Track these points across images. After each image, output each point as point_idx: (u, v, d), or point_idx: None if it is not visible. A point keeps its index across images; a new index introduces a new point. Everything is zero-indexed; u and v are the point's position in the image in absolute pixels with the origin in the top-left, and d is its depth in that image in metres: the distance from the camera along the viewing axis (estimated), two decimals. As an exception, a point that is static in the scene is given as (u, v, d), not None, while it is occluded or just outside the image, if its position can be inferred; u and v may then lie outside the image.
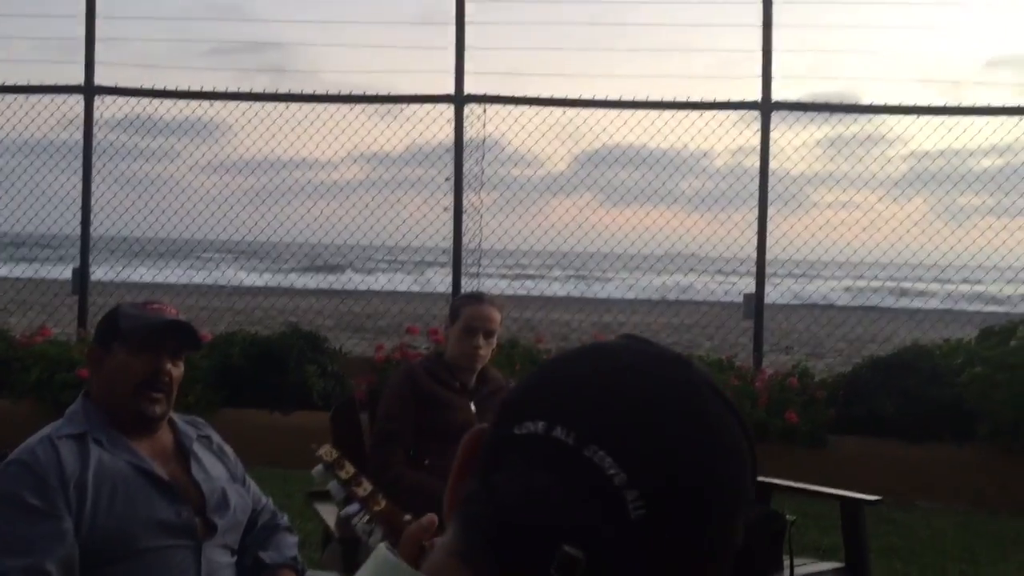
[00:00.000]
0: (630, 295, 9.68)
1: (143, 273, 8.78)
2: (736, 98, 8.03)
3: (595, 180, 8.41)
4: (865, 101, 8.05)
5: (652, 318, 10.15)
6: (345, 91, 8.27)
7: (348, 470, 2.48)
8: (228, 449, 2.64)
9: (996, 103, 7.81)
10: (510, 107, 8.15)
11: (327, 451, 2.53)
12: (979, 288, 8.23)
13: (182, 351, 2.48)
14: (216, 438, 2.63)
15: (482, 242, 8.12)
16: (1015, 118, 7.78)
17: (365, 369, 7.17)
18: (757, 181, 7.90)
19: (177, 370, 2.46)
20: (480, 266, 8.22)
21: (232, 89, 8.27)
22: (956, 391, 6.46)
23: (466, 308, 3.90)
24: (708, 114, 8.09)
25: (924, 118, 7.87)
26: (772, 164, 7.90)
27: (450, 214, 8.07)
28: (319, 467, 2.53)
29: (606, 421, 0.71)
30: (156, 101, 8.36)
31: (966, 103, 7.84)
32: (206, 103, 8.33)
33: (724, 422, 0.74)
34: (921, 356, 6.94)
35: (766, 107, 7.87)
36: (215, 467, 2.53)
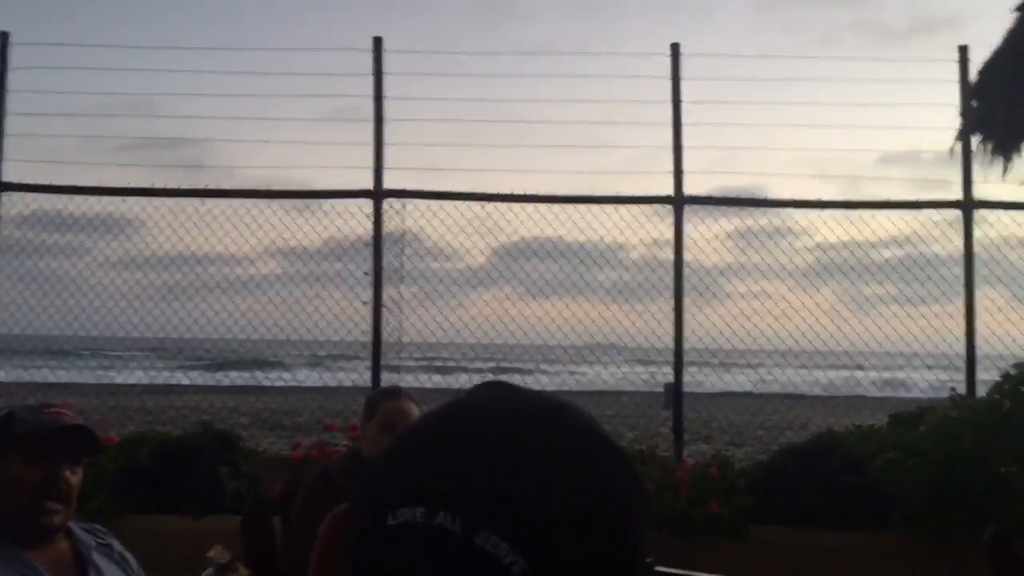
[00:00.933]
0: (550, 387, 9.68)
1: (48, 374, 8.44)
2: (650, 192, 8.26)
3: (514, 273, 8.49)
4: (771, 195, 8.41)
5: (574, 409, 10.14)
6: (263, 187, 8.25)
7: (241, 572, 2.38)
8: (131, 557, 2.51)
9: (891, 197, 8.23)
10: (429, 202, 8.22)
11: (219, 552, 2.43)
12: (887, 375, 8.46)
13: (81, 457, 2.37)
14: (117, 546, 2.51)
15: (402, 336, 8.07)
16: (911, 212, 8.18)
17: (281, 468, 6.97)
18: (672, 272, 8.08)
19: (76, 477, 2.35)
20: (400, 359, 8.15)
21: (145, 185, 8.18)
22: (871, 477, 6.58)
23: (383, 403, 3.84)
24: (623, 208, 8.29)
25: (827, 211, 8.22)
26: (686, 256, 8.12)
27: (369, 308, 8.01)
28: (209, 571, 2.42)
29: (493, 500, 0.62)
30: (66, 197, 8.20)
31: (864, 197, 8.24)
32: (118, 199, 8.20)
33: (613, 471, 0.68)
34: (836, 443, 7.06)
35: (678, 201, 8.11)
36: (115, 578, 2.40)
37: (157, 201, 8.20)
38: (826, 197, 8.18)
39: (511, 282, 8.47)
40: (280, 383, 9.03)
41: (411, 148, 9.07)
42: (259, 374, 9.25)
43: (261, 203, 8.28)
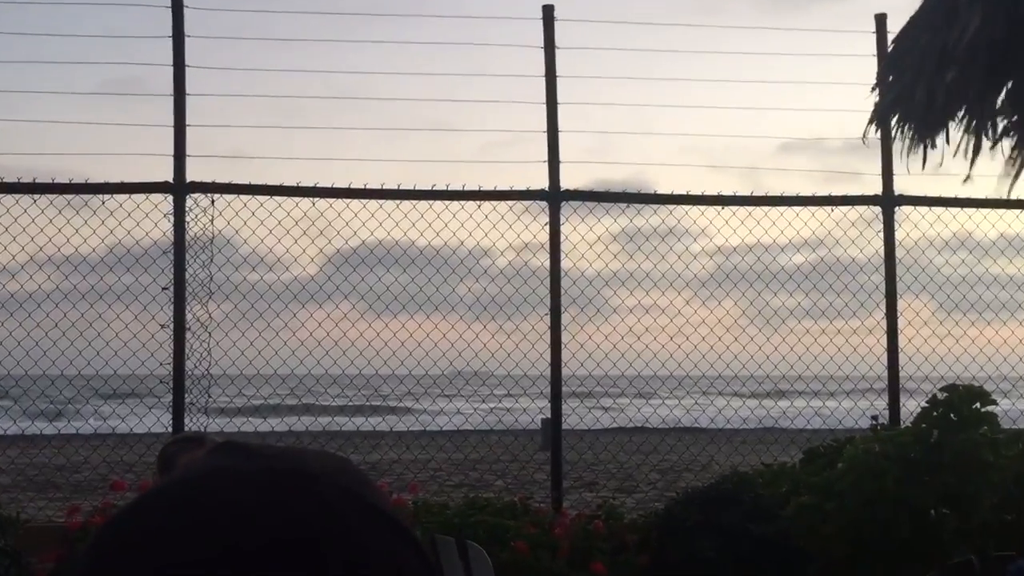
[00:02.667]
0: (400, 427, 9.64)
1: None
2: (518, 186, 8.34)
3: (354, 285, 8.41)
4: (660, 190, 8.60)
5: (431, 454, 10.15)
6: (26, 179, 7.91)
7: None
8: None
9: (793, 191, 8.54)
10: (244, 197, 8.07)
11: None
12: (800, 402, 8.80)
13: None
14: None
15: (212, 366, 7.89)
16: (824, 208, 8.52)
17: (53, 541, 6.73)
18: (548, 283, 8.16)
19: None
20: (210, 397, 7.96)
21: None
22: (782, 525, 6.80)
23: (183, 455, 3.75)
24: (487, 205, 8.34)
25: (727, 209, 8.47)
26: (563, 262, 8.21)
27: (170, 332, 7.81)
28: None
29: None
30: None
31: (765, 191, 8.52)
32: None
33: (377, 546, 0.70)
34: (742, 486, 7.29)
35: (554, 196, 8.21)
36: None
37: None
38: (727, 192, 8.46)
39: (350, 297, 8.41)
40: (52, 430, 8.67)
41: (221, 131, 8.92)
42: (24, 419, 8.85)
43: (25, 199, 7.94)
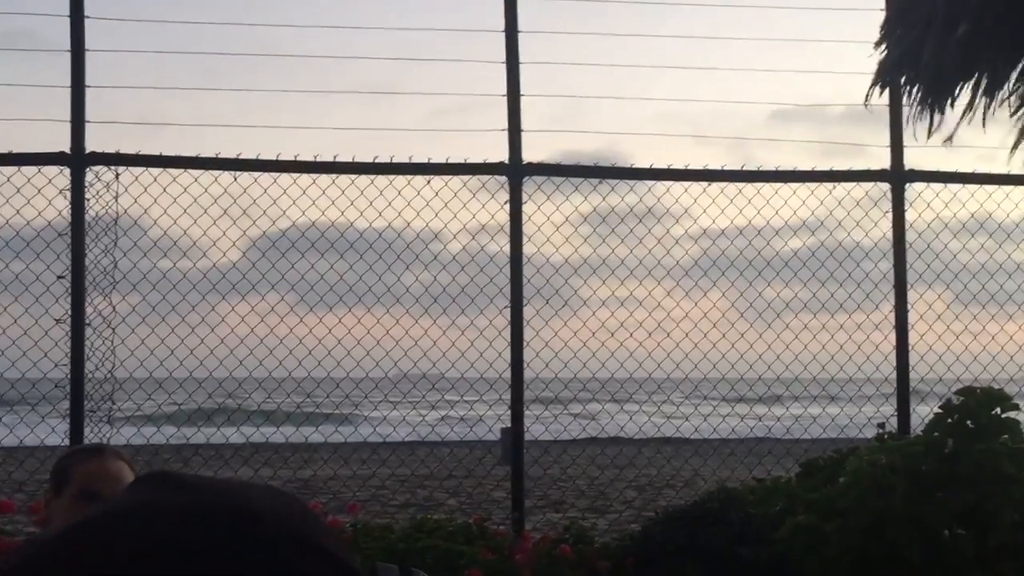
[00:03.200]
0: (336, 438, 9.63)
1: None
2: (475, 158, 8.33)
3: (283, 274, 8.38)
4: (634, 163, 8.61)
5: (372, 468, 10.14)
6: None
7: None
8: None
9: (789, 165, 8.60)
10: (154, 171, 8.04)
11: None
12: (797, 408, 8.86)
13: None
14: None
15: (116, 367, 7.85)
16: (825, 185, 8.58)
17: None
18: (507, 271, 8.17)
19: None
20: (113, 403, 7.92)
21: None
22: (776, 548, 6.85)
23: (79, 467, 3.71)
24: (437, 181, 8.33)
25: (715, 186, 8.51)
26: (526, 247, 8.22)
27: (67, 328, 7.77)
28: None
29: None
30: None
31: (757, 166, 8.58)
32: None
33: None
34: (730, 504, 7.35)
35: (515, 170, 8.22)
36: None
37: None
38: (710, 165, 8.48)
39: (278, 287, 8.38)
40: (-72, 443, 8.55)
41: (127, 93, 8.85)
42: None
43: None
